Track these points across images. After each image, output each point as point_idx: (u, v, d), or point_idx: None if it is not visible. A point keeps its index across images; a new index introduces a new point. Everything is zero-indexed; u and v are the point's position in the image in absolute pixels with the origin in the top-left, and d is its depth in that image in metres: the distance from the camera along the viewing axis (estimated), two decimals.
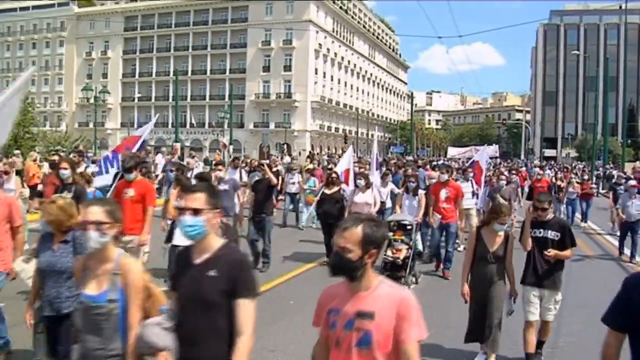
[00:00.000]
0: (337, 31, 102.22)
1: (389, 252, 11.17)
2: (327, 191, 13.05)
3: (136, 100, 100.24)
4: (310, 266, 12.90)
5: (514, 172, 25.19)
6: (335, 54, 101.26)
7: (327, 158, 38.80)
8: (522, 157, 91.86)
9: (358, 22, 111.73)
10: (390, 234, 11.25)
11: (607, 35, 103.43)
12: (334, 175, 13.35)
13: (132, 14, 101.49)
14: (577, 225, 20.86)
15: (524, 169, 39.94)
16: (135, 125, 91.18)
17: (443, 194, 12.35)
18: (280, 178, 19.53)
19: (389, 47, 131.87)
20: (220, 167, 13.18)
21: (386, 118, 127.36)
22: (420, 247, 12.79)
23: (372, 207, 12.36)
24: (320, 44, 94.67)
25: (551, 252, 6.95)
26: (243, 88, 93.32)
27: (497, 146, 50.61)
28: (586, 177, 24.56)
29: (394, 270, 10.99)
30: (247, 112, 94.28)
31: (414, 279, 11.42)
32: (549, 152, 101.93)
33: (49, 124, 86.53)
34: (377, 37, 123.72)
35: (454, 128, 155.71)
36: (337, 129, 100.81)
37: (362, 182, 12.63)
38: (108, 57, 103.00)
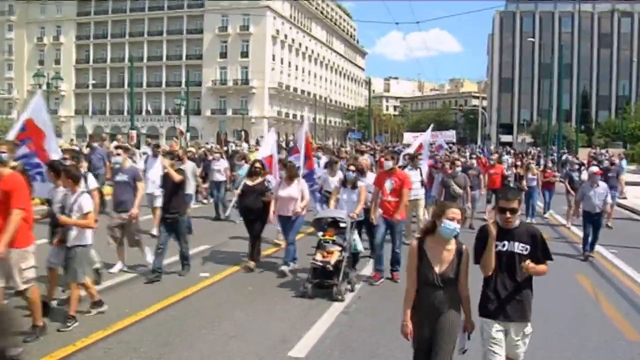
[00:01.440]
0: (294, 17, 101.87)
1: (318, 256, 9.43)
2: (249, 182, 11.49)
3: (90, 87, 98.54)
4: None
5: (473, 156, 23.51)
6: (293, 40, 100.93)
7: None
8: (479, 142, 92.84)
9: (316, 8, 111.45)
10: (320, 233, 9.81)
11: (561, 23, 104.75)
12: (257, 164, 11.75)
13: None
14: (539, 215, 19.55)
15: (482, 155, 36.39)
16: (90, 113, 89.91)
17: (388, 185, 10.44)
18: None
19: (347, 33, 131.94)
20: (119, 151, 11.60)
21: (344, 104, 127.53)
22: (359, 247, 10.53)
23: (298, 202, 10.86)
24: (277, 30, 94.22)
25: (528, 264, 5.14)
26: (200, 74, 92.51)
27: (454, 131, 50.96)
28: (549, 164, 22.26)
29: (324, 278, 9.36)
30: (204, 99, 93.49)
31: (349, 287, 9.61)
32: (505, 138, 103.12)
33: None
34: (335, 24, 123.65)
35: (411, 114, 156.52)
36: (295, 116, 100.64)
37: (284, 172, 11.32)
38: (60, 43, 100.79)
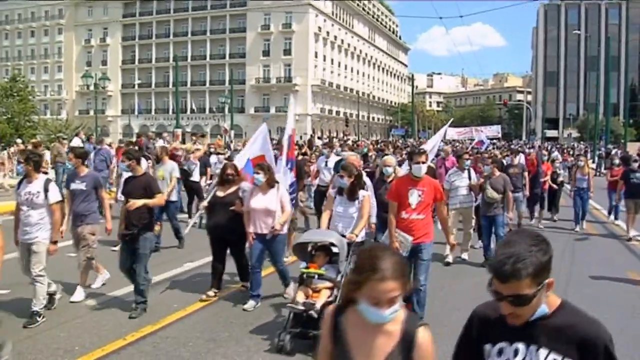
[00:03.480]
0: (336, 14, 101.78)
1: (300, 296, 6.96)
2: (220, 193, 9.09)
3: (136, 87, 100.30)
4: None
5: (532, 150, 18.54)
6: (335, 37, 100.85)
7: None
8: (524, 138, 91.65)
9: (357, 4, 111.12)
10: (303, 265, 7.28)
11: (608, 14, 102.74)
12: (229, 171, 9.18)
13: (131, 0, 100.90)
14: (598, 220, 17.55)
15: (532, 151, 30.12)
16: (136, 112, 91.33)
17: (414, 197, 7.63)
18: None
19: (389, 29, 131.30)
20: (70, 155, 9.87)
21: (387, 101, 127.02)
22: None
23: (276, 216, 8.37)
24: (319, 27, 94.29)
25: None
26: (243, 73, 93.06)
27: (499, 126, 50.05)
28: (616, 160, 17.60)
29: (307, 327, 6.79)
30: (248, 96, 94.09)
31: None
32: (551, 133, 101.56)
33: (49, 112, 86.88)
34: (377, 20, 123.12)
35: (455, 110, 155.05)
36: (337, 113, 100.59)
37: (260, 177, 8.39)
38: (107, 44, 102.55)
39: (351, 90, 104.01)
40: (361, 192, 8.07)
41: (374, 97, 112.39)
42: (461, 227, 12.68)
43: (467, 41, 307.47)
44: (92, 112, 75.94)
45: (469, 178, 12.25)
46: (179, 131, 34.98)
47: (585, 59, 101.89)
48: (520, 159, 17.84)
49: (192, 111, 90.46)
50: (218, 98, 73.88)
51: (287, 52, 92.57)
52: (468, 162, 12.65)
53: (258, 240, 8.44)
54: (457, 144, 44.05)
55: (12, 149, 29.22)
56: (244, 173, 9.19)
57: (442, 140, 20.16)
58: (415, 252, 7.61)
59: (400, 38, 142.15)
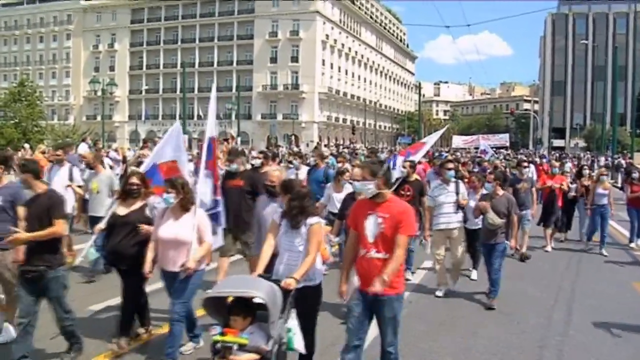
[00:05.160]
0: (344, 22, 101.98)
1: None
2: (122, 210, 6.97)
3: (144, 92, 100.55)
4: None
5: (524, 165, 14.67)
6: (343, 44, 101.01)
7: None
8: (531, 147, 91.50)
9: (365, 12, 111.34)
10: (216, 330, 4.85)
11: (616, 24, 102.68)
12: (133, 180, 7.03)
13: (139, 6, 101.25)
14: (617, 243, 15.47)
15: (544, 160, 29.92)
16: (143, 118, 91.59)
17: (370, 225, 5.42)
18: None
19: (396, 38, 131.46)
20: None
21: (394, 109, 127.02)
22: (298, 345, 5.25)
23: (191, 250, 6.31)
24: (327, 35, 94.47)
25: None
26: (250, 79, 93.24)
27: (507, 135, 49.87)
28: (636, 173, 14.77)
29: None
30: (255, 103, 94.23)
31: None
32: (558, 142, 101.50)
33: (57, 117, 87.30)
34: (384, 28, 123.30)
35: (461, 118, 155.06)
36: (344, 120, 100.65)
37: (171, 198, 6.43)
38: (115, 50, 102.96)
39: (358, 98, 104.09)
40: (310, 219, 5.79)
41: (380, 105, 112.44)
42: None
43: (474, 50, 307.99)
44: (99, 118, 76.13)
45: (457, 193, 10.03)
46: (185, 137, 35.10)
47: (592, 69, 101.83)
48: (530, 171, 15.39)
49: (199, 117, 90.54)
50: (225, 105, 74.03)
51: (295, 59, 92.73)
52: (451, 173, 10.22)
53: (166, 280, 6.59)
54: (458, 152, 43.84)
55: (19, 154, 29.33)
56: (152, 184, 7.26)
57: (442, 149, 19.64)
58: (373, 307, 5.42)
59: (407, 46, 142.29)
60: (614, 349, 7.41)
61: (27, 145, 32.31)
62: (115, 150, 21.62)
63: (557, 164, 17.82)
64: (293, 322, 5.20)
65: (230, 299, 5.03)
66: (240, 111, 60.45)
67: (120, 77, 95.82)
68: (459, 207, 10.02)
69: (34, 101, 47.33)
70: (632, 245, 14.77)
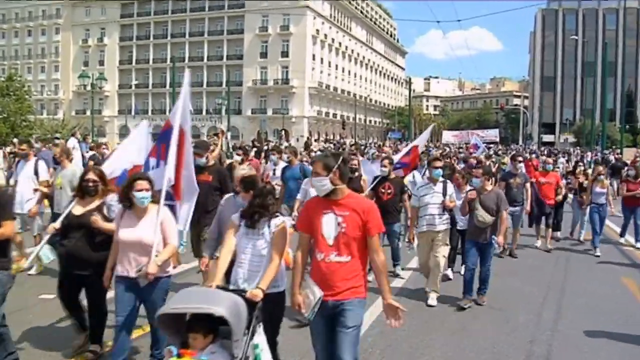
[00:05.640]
0: (334, 17, 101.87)
1: None
2: (78, 209, 6.38)
3: (133, 87, 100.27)
4: None
5: (519, 159, 13.97)
6: (333, 39, 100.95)
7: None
8: (520, 142, 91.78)
9: (355, 7, 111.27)
10: (173, 354, 4.24)
11: (605, 20, 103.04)
12: (89, 176, 6.42)
13: (128, 1, 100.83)
14: (612, 240, 15.19)
15: (533, 156, 29.51)
16: (133, 113, 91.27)
17: (329, 226, 4.85)
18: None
19: (387, 33, 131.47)
20: None
21: (384, 104, 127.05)
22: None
23: (152, 253, 5.63)
24: (317, 30, 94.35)
25: None
26: (240, 74, 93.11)
27: (497, 130, 49.91)
28: (632, 171, 14.65)
29: None
30: (245, 98, 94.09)
31: None
32: (547, 138, 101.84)
33: (46, 112, 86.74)
34: (375, 23, 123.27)
35: (451, 114, 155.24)
36: (335, 115, 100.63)
37: (148, 197, 5.81)
38: (104, 44, 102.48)
39: (348, 93, 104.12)
40: (274, 220, 5.21)
41: (371, 100, 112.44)
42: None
43: (465, 45, 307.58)
44: (88, 112, 75.76)
45: (444, 194, 9.23)
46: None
47: (582, 65, 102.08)
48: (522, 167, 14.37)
49: (189, 112, 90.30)
50: (215, 99, 73.82)
51: (285, 54, 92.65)
52: (438, 172, 9.39)
53: (125, 287, 5.76)
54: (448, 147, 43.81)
55: (7, 149, 29.14)
56: (116, 184, 6.74)
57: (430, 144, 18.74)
58: (334, 315, 4.80)
59: (398, 41, 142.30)
60: (604, 344, 7.43)
61: (15, 140, 32.11)
62: (105, 145, 21.45)
63: (551, 160, 16.90)
64: (260, 338, 4.57)
65: (189, 314, 4.40)
66: (230, 106, 60.42)
67: (109, 72, 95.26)
68: (445, 209, 9.24)
69: (22, 96, 46.94)
70: (622, 240, 14.83)
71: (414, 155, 13.52)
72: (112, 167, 7.17)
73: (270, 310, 4.97)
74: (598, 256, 13.18)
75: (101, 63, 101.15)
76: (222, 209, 6.37)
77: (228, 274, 5.26)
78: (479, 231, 8.90)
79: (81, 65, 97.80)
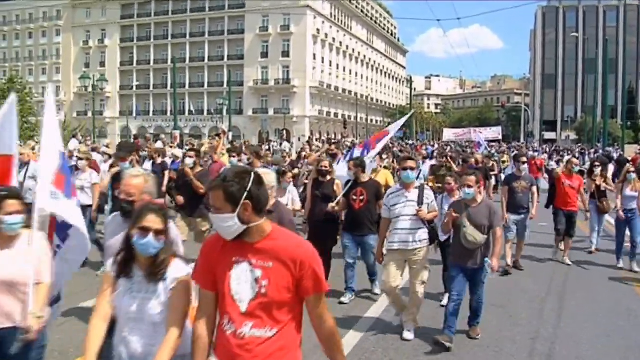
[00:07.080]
0: (335, 16, 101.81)
1: None
2: None
3: (134, 88, 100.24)
4: None
5: (522, 160, 11.98)
6: (334, 39, 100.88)
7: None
8: (522, 140, 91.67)
9: (356, 6, 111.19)
10: None
11: (606, 17, 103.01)
12: None
13: (129, 2, 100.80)
14: (609, 235, 13.56)
15: (536, 154, 27.58)
16: (134, 114, 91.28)
17: (239, 281, 3.09)
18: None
19: (388, 32, 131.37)
20: None
21: (385, 103, 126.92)
22: None
23: (28, 297, 4.06)
24: (318, 29, 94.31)
25: None
26: (241, 74, 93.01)
27: (499, 127, 49.71)
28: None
29: None
30: (246, 98, 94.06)
31: None
32: (549, 135, 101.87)
33: None
34: (375, 22, 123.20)
35: (453, 112, 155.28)
36: (336, 115, 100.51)
37: (19, 221, 4.18)
38: (105, 46, 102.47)
39: (349, 92, 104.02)
40: (173, 270, 3.48)
41: (372, 99, 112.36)
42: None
43: (465, 43, 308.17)
44: (90, 114, 75.71)
45: (419, 202, 7.35)
46: (177, 133, 34.98)
47: (583, 62, 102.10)
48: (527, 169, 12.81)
49: (191, 113, 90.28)
50: (216, 100, 73.83)
51: (286, 54, 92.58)
52: (408, 174, 7.56)
53: None
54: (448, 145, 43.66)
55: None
56: None
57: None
58: None
59: (398, 40, 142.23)
60: (606, 341, 7.43)
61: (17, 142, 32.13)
62: (107, 146, 21.49)
63: (577, 161, 13.37)
64: None
65: None
66: (231, 106, 60.23)
67: (110, 73, 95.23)
68: (423, 221, 7.38)
69: (23, 98, 46.94)
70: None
71: (378, 135, 12.30)
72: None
73: None
74: (637, 272, 11.34)
75: (102, 64, 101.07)
76: (106, 233, 4.79)
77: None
78: (467, 254, 7.03)
79: (82, 66, 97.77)
